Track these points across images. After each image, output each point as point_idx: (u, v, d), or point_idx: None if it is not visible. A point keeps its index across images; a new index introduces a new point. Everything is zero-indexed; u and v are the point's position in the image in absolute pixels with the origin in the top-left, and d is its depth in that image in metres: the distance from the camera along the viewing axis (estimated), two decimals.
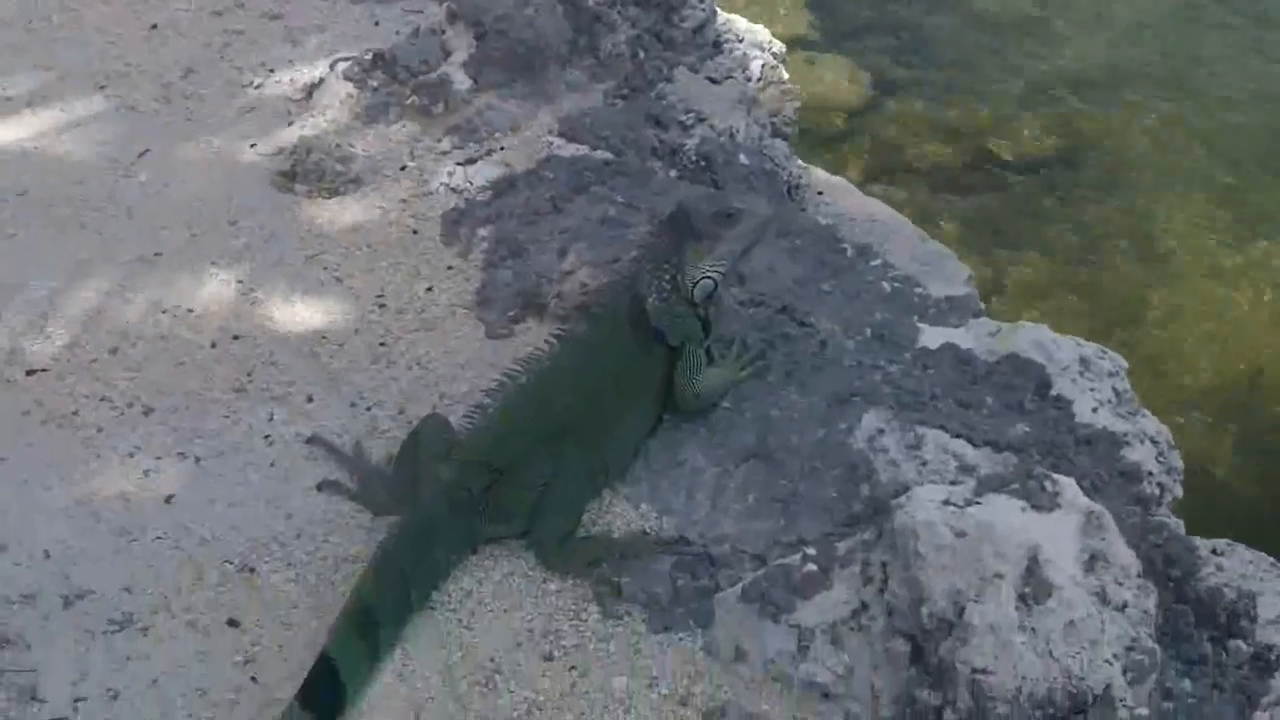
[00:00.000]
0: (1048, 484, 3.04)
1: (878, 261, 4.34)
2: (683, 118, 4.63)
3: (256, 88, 4.91)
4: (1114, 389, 3.80)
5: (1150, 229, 8.12)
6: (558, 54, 4.75)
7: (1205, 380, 6.90)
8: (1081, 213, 9.20)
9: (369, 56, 4.79)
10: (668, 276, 3.57)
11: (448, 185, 4.41)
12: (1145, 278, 7.68)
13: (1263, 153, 8.88)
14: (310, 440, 3.65)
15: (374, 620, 3.11)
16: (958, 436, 3.48)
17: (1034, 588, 2.89)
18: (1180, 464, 3.75)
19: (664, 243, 3.59)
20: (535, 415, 3.45)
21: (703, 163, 4.47)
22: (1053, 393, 3.74)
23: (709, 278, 3.56)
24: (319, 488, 3.53)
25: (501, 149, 4.55)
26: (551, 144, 4.50)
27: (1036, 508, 3.00)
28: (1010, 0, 10.88)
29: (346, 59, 4.84)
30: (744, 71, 5.11)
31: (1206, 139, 8.97)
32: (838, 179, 5.37)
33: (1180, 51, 10.01)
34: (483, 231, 4.27)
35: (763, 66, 5.15)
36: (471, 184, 4.39)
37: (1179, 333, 7.21)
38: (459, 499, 3.34)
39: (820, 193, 5.08)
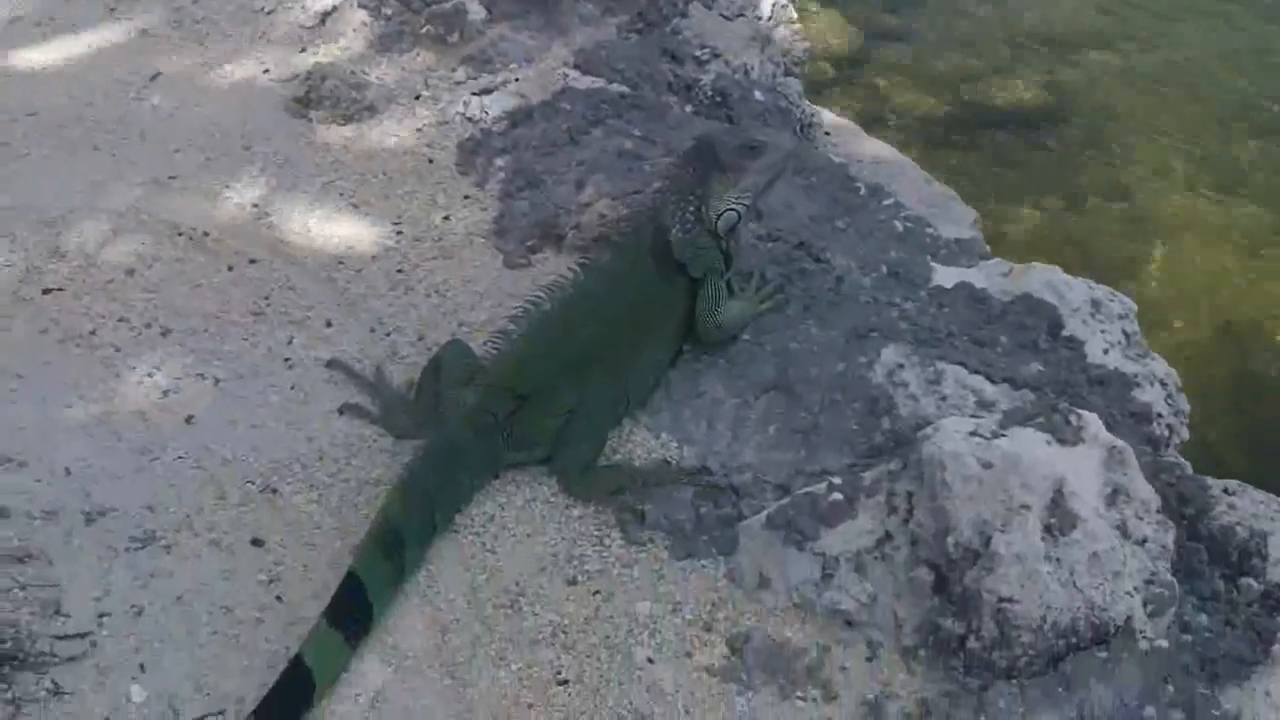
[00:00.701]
0: (1072, 418, 3.07)
1: (889, 201, 4.35)
2: (698, 53, 4.62)
3: (269, 13, 4.88)
4: (1124, 331, 3.83)
5: (1129, 181, 8.16)
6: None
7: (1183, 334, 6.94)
8: (1069, 168, 9.21)
9: None
10: (691, 208, 3.58)
11: (463, 115, 4.40)
12: (1131, 232, 7.72)
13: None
14: (330, 364, 3.66)
15: (400, 540, 3.12)
16: (975, 373, 3.51)
17: (1059, 519, 2.92)
18: (1187, 407, 3.80)
19: (688, 174, 3.59)
20: (559, 343, 3.47)
21: (718, 98, 4.46)
22: (1065, 333, 3.76)
23: (733, 210, 3.57)
24: (340, 411, 3.53)
25: (516, 80, 4.53)
26: (567, 76, 4.49)
27: (1061, 441, 3.03)
28: None
29: None
30: (754, 10, 5.10)
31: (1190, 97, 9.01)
32: (845, 121, 5.39)
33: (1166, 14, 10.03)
34: (499, 162, 4.26)
35: (773, 6, 5.14)
36: (487, 114, 4.38)
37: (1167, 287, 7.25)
38: (483, 423, 3.36)
39: (828, 133, 5.09)
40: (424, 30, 4.61)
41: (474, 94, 4.44)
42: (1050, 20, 10.30)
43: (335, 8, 4.76)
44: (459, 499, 3.33)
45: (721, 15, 5.02)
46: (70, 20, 4.81)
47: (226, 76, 4.59)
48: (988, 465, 2.94)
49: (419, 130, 4.40)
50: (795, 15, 5.20)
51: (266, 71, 4.60)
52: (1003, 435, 3.03)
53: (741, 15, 5.02)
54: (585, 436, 3.42)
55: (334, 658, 2.94)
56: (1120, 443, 3.09)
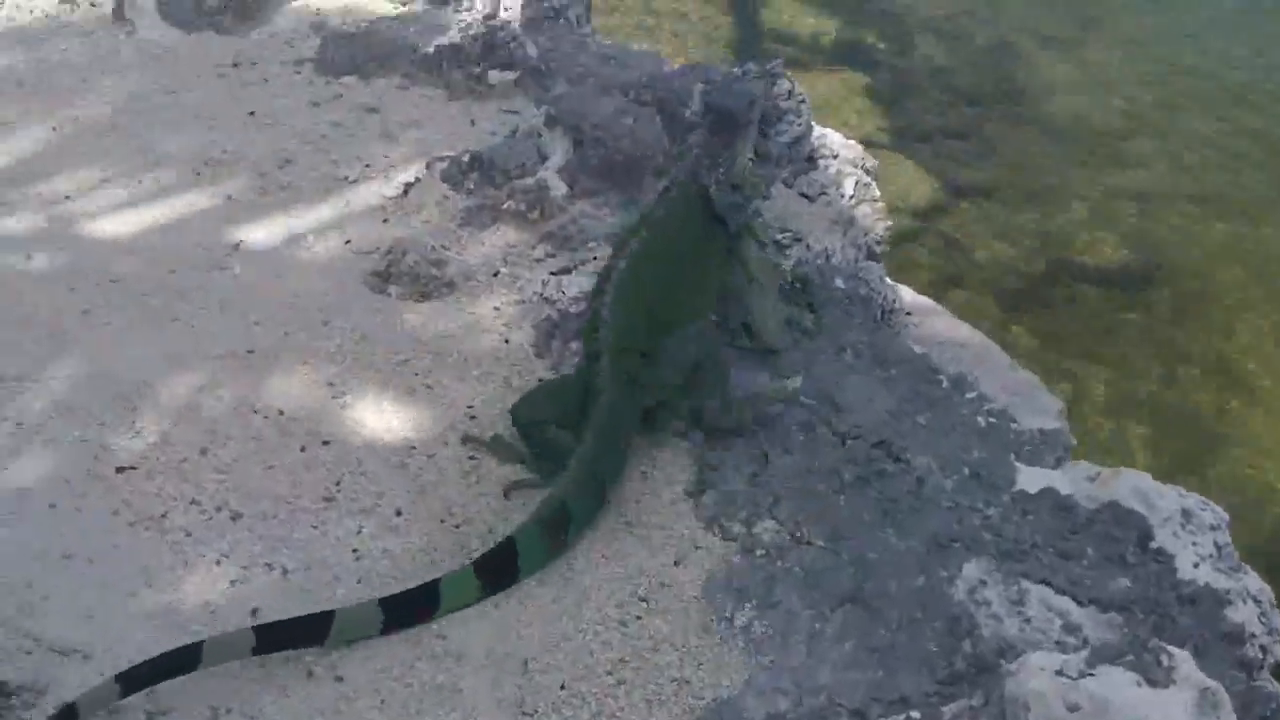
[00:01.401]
0: (1163, 658, 2.96)
1: (973, 394, 4.28)
2: (779, 237, 4.58)
3: (353, 182, 4.90)
4: (1215, 543, 3.73)
5: (1228, 351, 8.03)
6: (655, 164, 4.72)
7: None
8: (1155, 330, 9.12)
9: (466, 158, 4.77)
10: (722, 169, 4.08)
11: (541, 295, 4.38)
12: (1223, 403, 7.59)
13: None
14: (463, 440, 3.94)
15: (567, 518, 3.55)
16: (1062, 593, 3.42)
17: None
18: None
19: (716, 140, 4.09)
20: (654, 299, 3.90)
21: (798, 285, 4.42)
22: (1154, 545, 3.68)
23: (749, 163, 4.15)
24: (506, 495, 3.80)
25: (596, 259, 4.51)
26: None
27: (1152, 683, 2.92)
28: (1083, 108, 10.85)
29: (443, 159, 4.83)
30: (838, 188, 5.07)
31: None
32: (925, 299, 5.31)
33: (1260, 177, 9.94)
34: (575, 345, 4.22)
35: (856, 184, 5.10)
36: (565, 294, 4.36)
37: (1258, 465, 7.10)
38: (626, 388, 3.75)
39: (909, 314, 5.02)
40: (505, 206, 4.60)
41: (553, 273, 4.42)
42: (1137, 175, 10.23)
43: (418, 180, 4.77)
44: (620, 469, 3.75)
45: (803, 195, 4.99)
46: (158, 183, 4.84)
47: (308, 247, 4.59)
48: (1074, 708, 2.84)
49: (496, 309, 4.38)
50: (878, 193, 5.15)
51: (348, 242, 4.60)
52: (1090, 674, 2.92)
53: (824, 194, 4.99)
54: (717, 379, 3.87)
55: (465, 594, 3.41)
56: (1213, 684, 2.97)
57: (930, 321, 5.05)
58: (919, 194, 10.05)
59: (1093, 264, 9.63)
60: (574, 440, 3.74)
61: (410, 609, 3.38)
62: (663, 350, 3.84)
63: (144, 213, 4.73)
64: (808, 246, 4.59)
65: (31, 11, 5.55)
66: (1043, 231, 9.89)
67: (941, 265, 9.40)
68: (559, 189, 4.65)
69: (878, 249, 5.19)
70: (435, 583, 3.39)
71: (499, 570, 3.47)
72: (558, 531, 3.55)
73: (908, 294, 5.12)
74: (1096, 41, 11.45)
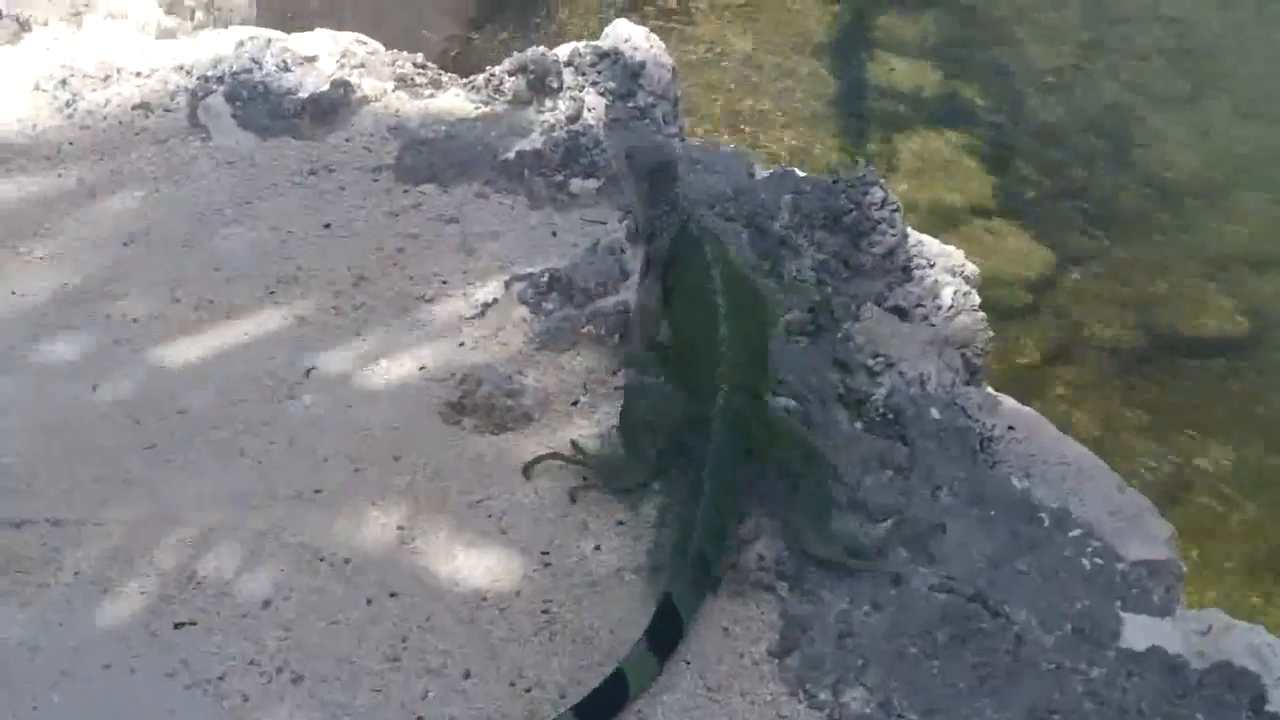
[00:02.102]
0: None
1: (1076, 532, 4.06)
2: (870, 362, 4.37)
3: (429, 301, 4.74)
4: None
5: None
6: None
7: None
8: (1271, 403, 8.79)
9: (545, 278, 4.59)
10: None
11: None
12: None
13: None
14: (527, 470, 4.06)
15: (707, 564, 3.60)
16: None
17: None
18: None
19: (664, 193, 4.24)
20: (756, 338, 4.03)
21: (890, 415, 4.19)
22: (1269, 708, 3.44)
23: None
24: (572, 498, 4.03)
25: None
26: None
27: None
28: (1196, 169, 10.52)
29: (522, 278, 4.65)
30: (934, 299, 4.83)
31: None
32: (1028, 411, 5.07)
33: None
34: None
35: (954, 293, 4.86)
36: None
37: None
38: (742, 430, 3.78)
39: (1011, 427, 4.77)
40: (585, 329, 4.42)
41: None
42: (1252, 239, 9.90)
43: (496, 300, 4.60)
44: (736, 512, 3.76)
45: (896, 307, 4.76)
46: (228, 303, 4.71)
47: (381, 373, 4.44)
48: None
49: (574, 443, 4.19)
50: (978, 301, 4.90)
51: (422, 369, 4.44)
52: None
53: (920, 306, 4.75)
54: (819, 488, 3.85)
55: (647, 672, 3.45)
56: None
57: (1034, 434, 4.81)
58: (1025, 263, 9.80)
59: (1206, 333, 9.31)
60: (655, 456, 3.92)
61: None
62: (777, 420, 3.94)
63: (214, 336, 4.60)
64: (901, 373, 4.35)
65: (105, 118, 5.44)
66: (1154, 298, 9.60)
67: (1049, 339, 9.13)
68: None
69: (978, 361, 4.94)
70: (619, 671, 3.42)
71: (666, 635, 3.51)
72: (700, 581, 3.61)
73: (1011, 405, 4.88)
74: (1210, 101, 11.09)
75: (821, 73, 11.68)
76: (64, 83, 5.55)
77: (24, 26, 6.10)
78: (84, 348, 4.58)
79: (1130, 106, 11.44)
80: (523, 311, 4.53)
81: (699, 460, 3.71)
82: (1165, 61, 12.07)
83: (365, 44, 6.09)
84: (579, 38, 11.60)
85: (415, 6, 11.13)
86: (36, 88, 5.61)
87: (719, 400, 3.76)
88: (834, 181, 4.85)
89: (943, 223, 9.75)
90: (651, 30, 11.47)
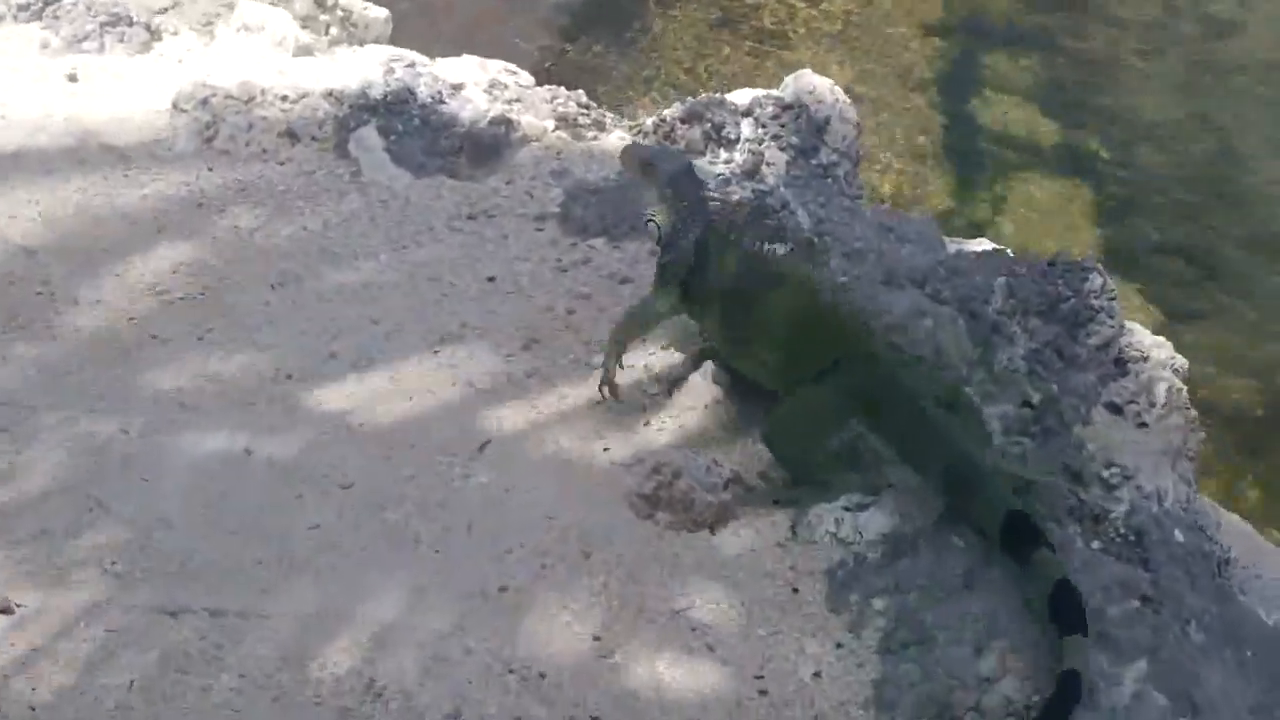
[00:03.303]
0: None
1: None
2: (1104, 473, 3.97)
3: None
4: None
5: None
6: (956, 371, 4.12)
7: None
8: None
9: None
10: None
11: (834, 534, 3.79)
12: None
13: None
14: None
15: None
16: None
17: None
18: None
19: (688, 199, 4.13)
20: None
21: (1132, 537, 3.79)
22: None
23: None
24: None
25: (892, 486, 3.92)
26: None
27: None
28: None
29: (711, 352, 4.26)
30: (1148, 396, 4.43)
31: None
32: (1238, 522, 4.68)
33: None
34: (878, 604, 3.65)
35: (1168, 390, 4.46)
36: (862, 536, 3.77)
37: None
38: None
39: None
40: None
41: (846, 509, 3.83)
42: None
43: (685, 377, 4.21)
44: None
45: (1112, 403, 4.37)
46: (388, 362, 4.33)
47: (561, 451, 4.06)
48: None
49: (780, 547, 3.82)
50: (1188, 399, 4.50)
51: (607, 450, 4.06)
52: None
53: (1133, 403, 4.37)
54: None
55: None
56: None
57: (1250, 553, 4.41)
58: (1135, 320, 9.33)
59: None
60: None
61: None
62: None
63: (376, 398, 4.23)
64: (1139, 488, 3.95)
65: (248, 145, 5.06)
66: (1274, 361, 9.19)
67: None
68: None
69: (1189, 457, 4.53)
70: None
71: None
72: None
73: (1234, 522, 4.51)
74: None
75: (924, 110, 11.25)
76: (205, 103, 5.17)
77: (154, 35, 5.75)
78: (234, 403, 4.19)
79: (1241, 157, 11.02)
80: (716, 392, 4.13)
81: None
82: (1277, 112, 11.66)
83: (515, 74, 5.72)
84: (673, 49, 11.18)
85: (507, 15, 10.75)
86: (175, 106, 5.23)
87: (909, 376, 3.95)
88: (1050, 265, 4.45)
89: None
90: (749, 49, 11.21)
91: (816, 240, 4.59)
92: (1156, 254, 10.09)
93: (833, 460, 3.93)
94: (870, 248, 4.60)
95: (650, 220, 4.18)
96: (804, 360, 3.90)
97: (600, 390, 4.13)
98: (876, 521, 3.81)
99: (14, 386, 4.17)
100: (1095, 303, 4.41)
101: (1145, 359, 4.52)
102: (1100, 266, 4.52)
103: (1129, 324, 4.63)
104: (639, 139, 5.27)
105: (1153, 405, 4.46)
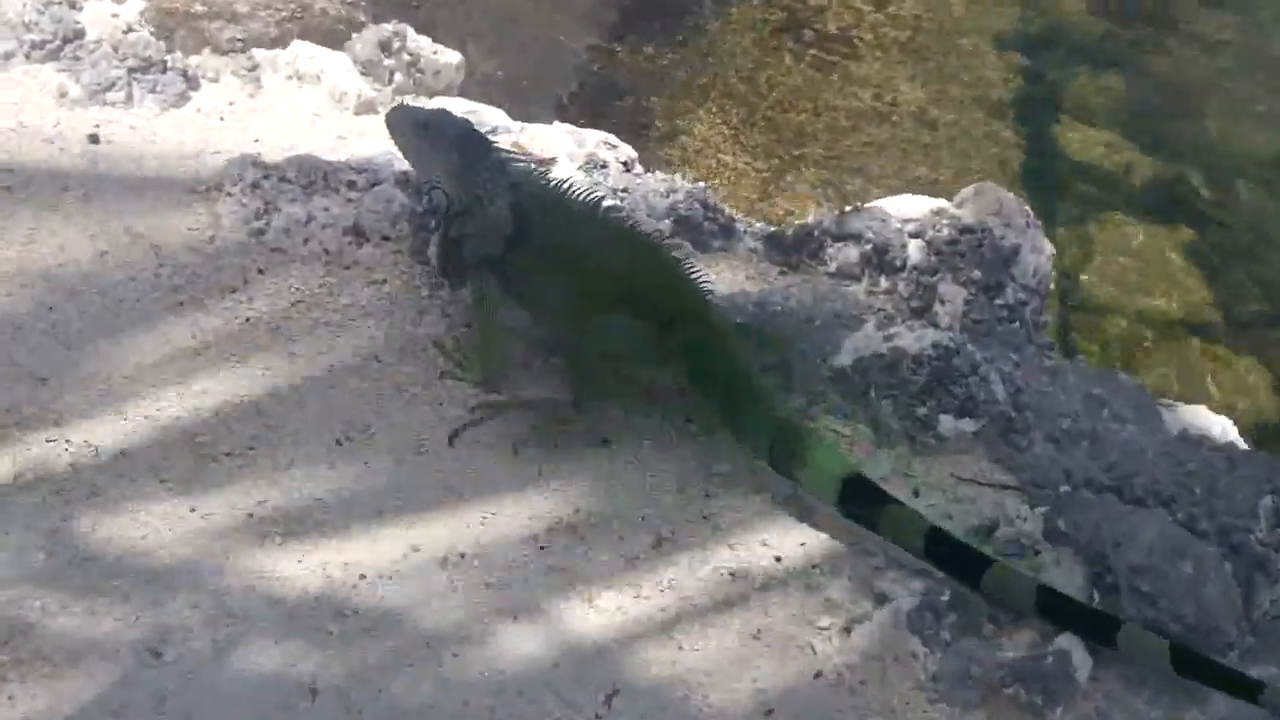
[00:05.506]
0: None
1: None
2: None
3: (760, 588, 3.48)
4: None
5: None
6: (1224, 640, 3.24)
7: None
8: None
9: (945, 596, 3.32)
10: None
11: None
12: None
13: None
14: None
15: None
16: None
17: None
18: None
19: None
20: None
21: None
22: None
23: None
24: None
25: None
26: None
27: None
28: None
29: (907, 590, 3.38)
30: None
31: None
32: None
33: None
34: None
35: None
36: None
37: None
38: None
39: None
40: (1007, 687, 3.13)
41: None
42: None
43: (866, 616, 3.33)
44: None
45: None
46: (490, 564, 3.46)
47: (711, 710, 3.19)
48: None
49: None
50: None
51: (769, 713, 3.19)
52: None
53: None
54: None
55: None
56: None
57: None
58: (1254, 401, 8.59)
59: None
60: None
61: None
62: None
63: (478, 617, 3.35)
64: None
65: (306, 242, 4.15)
66: None
67: None
68: (1080, 664, 3.17)
69: None
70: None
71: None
72: None
73: None
74: None
75: (1004, 136, 10.34)
76: (254, 187, 4.23)
77: (190, 83, 4.79)
78: (294, 616, 3.29)
79: None
80: (912, 643, 3.24)
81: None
82: None
83: (614, 147, 4.82)
84: (731, 54, 10.21)
85: (549, 12, 9.80)
86: (219, 187, 4.29)
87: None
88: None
89: (1159, 338, 8.61)
90: (811, 59, 10.22)
91: (1015, 416, 3.68)
92: (1269, 317, 9.31)
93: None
94: (1081, 429, 3.71)
95: (435, 188, 3.85)
96: (650, 311, 3.67)
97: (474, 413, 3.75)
98: None
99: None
100: None
101: None
102: None
103: None
104: (774, 251, 4.35)
105: None
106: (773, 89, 10.13)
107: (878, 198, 9.41)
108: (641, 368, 3.74)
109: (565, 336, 3.77)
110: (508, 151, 3.89)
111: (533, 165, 3.98)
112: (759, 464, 3.63)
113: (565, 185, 3.79)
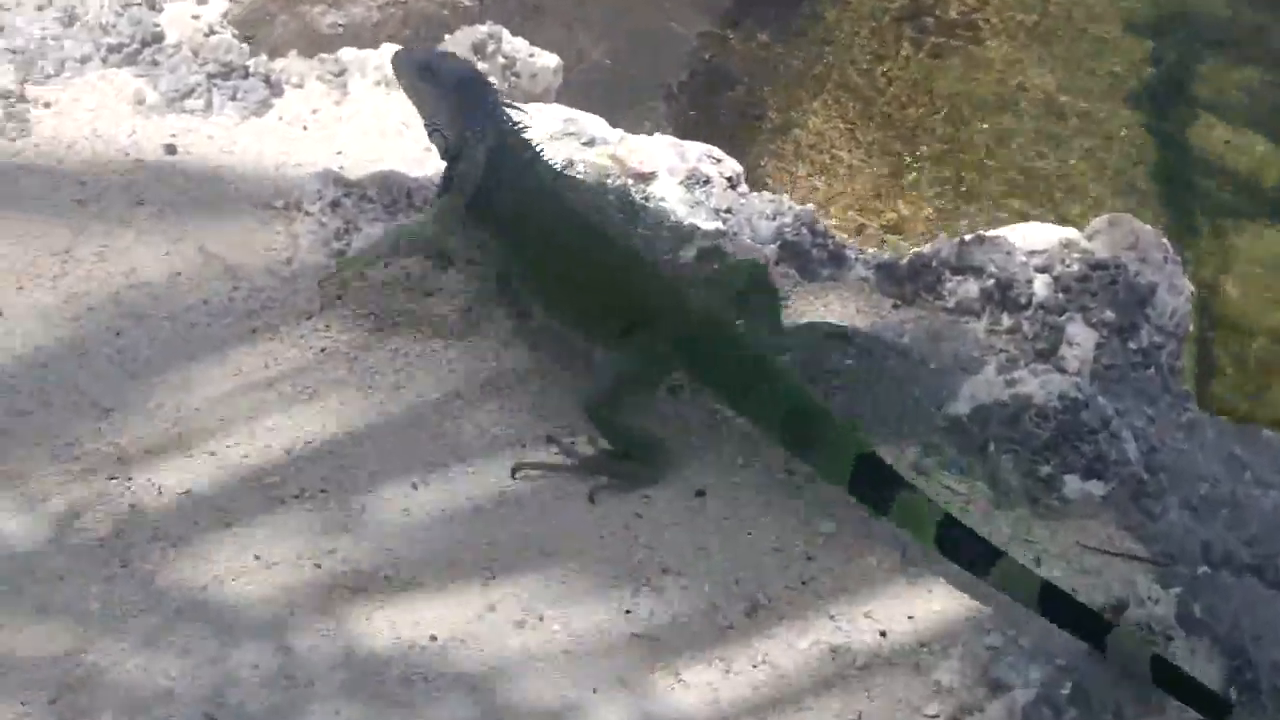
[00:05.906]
0: None
1: None
2: None
3: (860, 667, 3.20)
4: None
5: None
6: None
7: None
8: None
9: (1067, 689, 3.01)
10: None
11: None
12: None
13: None
14: None
15: None
16: None
17: None
18: None
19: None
20: None
21: None
22: None
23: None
24: None
25: None
26: None
27: None
28: None
29: (1022, 681, 3.07)
30: None
31: None
32: None
33: None
34: None
35: None
36: None
37: None
38: None
39: None
40: None
41: None
42: None
43: (979, 710, 3.02)
44: None
45: None
46: (565, 623, 3.19)
47: None
48: None
49: None
50: None
51: None
52: None
53: None
54: None
55: None
56: None
57: None
58: None
59: None
60: None
61: None
62: None
63: (550, 691, 3.07)
64: None
65: (387, 265, 3.91)
66: None
67: None
68: None
69: None
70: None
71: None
72: None
73: None
74: None
75: (1138, 129, 9.87)
76: (335, 206, 4.00)
77: (274, 89, 4.57)
78: (355, 680, 3.09)
79: None
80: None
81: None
82: None
83: (718, 162, 4.52)
84: (847, 45, 9.83)
85: None
86: (298, 205, 4.07)
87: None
88: None
89: None
90: (931, 47, 9.81)
91: (1148, 478, 3.35)
92: None
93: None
94: (1220, 495, 3.37)
95: (436, 131, 3.79)
96: (613, 310, 3.57)
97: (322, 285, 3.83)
98: None
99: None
100: None
101: None
102: None
103: None
104: (887, 283, 4.05)
105: None
106: (891, 82, 9.76)
107: (999, 194, 9.06)
108: (650, 387, 3.62)
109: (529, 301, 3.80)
110: (506, 99, 3.85)
111: (523, 116, 3.85)
112: (872, 523, 3.35)
113: (539, 151, 3.77)
